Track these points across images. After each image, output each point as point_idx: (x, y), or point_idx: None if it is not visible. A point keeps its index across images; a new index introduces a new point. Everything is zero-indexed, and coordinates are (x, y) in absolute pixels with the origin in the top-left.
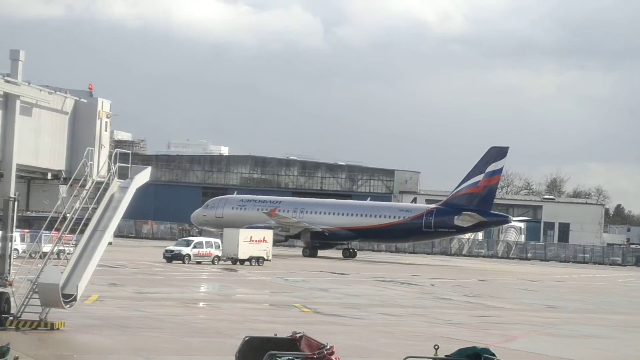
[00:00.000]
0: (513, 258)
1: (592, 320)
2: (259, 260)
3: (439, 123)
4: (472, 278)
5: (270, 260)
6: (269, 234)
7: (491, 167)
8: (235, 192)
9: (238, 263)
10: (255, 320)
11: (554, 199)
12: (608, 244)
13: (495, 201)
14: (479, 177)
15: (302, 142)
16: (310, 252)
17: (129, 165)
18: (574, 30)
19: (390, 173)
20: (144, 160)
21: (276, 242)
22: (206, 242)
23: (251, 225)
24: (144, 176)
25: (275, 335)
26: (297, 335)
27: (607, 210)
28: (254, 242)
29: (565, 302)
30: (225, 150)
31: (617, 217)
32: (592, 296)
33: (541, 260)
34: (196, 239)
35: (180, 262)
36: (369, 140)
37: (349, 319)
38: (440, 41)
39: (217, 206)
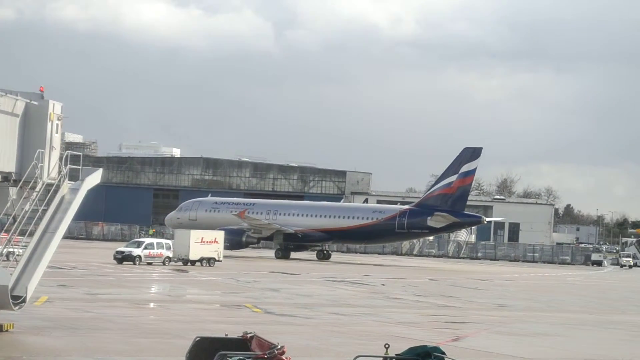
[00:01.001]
0: (463, 258)
1: (542, 318)
2: (210, 261)
3: (390, 125)
4: (423, 277)
5: (221, 261)
6: (220, 235)
7: (465, 168)
8: (210, 195)
9: (189, 264)
10: (206, 321)
11: (504, 199)
12: (557, 244)
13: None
14: (453, 178)
15: (254, 144)
16: (283, 253)
17: (80, 167)
18: (524, 34)
19: (342, 174)
20: (95, 162)
21: (249, 244)
22: (157, 243)
23: (224, 228)
24: (94, 178)
25: (226, 335)
26: (248, 336)
27: (556, 210)
28: (205, 243)
29: (515, 301)
30: (176, 152)
31: (567, 217)
32: (542, 295)
33: (491, 259)
34: (147, 240)
35: (131, 263)
36: (321, 142)
37: (299, 318)
38: (392, 44)
39: (190, 209)
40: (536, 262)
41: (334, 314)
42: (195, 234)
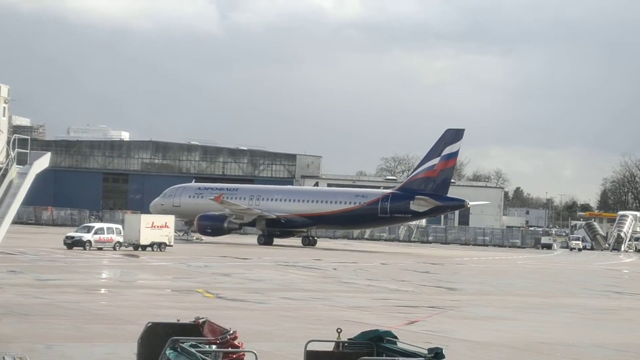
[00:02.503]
0: (414, 241)
1: (493, 302)
2: (160, 245)
3: (338, 108)
4: (374, 261)
5: (172, 246)
6: (170, 220)
7: (447, 150)
8: (194, 180)
9: (140, 249)
10: (158, 306)
11: (454, 183)
12: (507, 227)
13: (397, 184)
14: (435, 161)
15: (203, 127)
16: (265, 239)
17: (28, 151)
18: (469, 16)
19: (292, 157)
20: (43, 146)
21: (231, 231)
22: (107, 228)
23: (207, 214)
24: (43, 162)
25: (178, 320)
26: (200, 321)
27: (506, 193)
28: (155, 227)
29: (466, 285)
30: (125, 136)
31: (516, 200)
32: (492, 278)
33: (442, 243)
34: (97, 225)
35: (81, 248)
36: (271, 125)
37: (251, 303)
38: (337, 26)
39: (174, 195)
40: (487, 245)
41: (285, 299)
42: (146, 219)
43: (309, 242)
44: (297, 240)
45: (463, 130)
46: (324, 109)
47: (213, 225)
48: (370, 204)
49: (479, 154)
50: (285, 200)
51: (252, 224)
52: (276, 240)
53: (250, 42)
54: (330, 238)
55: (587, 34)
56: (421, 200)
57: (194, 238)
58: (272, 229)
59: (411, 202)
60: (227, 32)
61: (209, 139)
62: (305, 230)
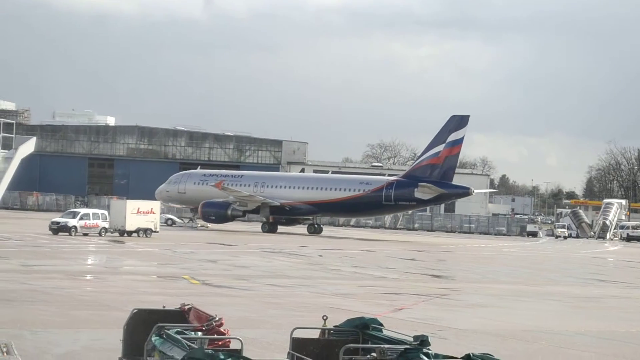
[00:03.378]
0: (400, 229)
1: (478, 289)
2: (146, 231)
3: (323, 93)
4: (360, 249)
5: (158, 232)
6: (156, 205)
7: (452, 137)
8: (199, 167)
9: (125, 235)
10: (144, 293)
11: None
12: (493, 214)
13: (382, 171)
14: (440, 147)
15: (189, 113)
16: (269, 227)
17: (13, 136)
18: (451, 2)
19: (278, 144)
20: (28, 130)
21: (235, 218)
22: (93, 214)
23: (210, 201)
24: (28, 147)
25: (164, 307)
26: (186, 307)
27: (492, 181)
28: (141, 213)
29: (452, 272)
30: (111, 121)
31: (502, 188)
32: (478, 266)
33: (428, 230)
34: (82, 211)
35: (67, 234)
36: (257, 111)
37: (237, 290)
38: (319, 11)
39: (179, 181)
40: (472, 233)
41: (271, 286)
42: (131, 204)
43: (315, 230)
44: (302, 228)
45: (468, 116)
46: (309, 95)
47: (217, 213)
48: (375, 191)
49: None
50: (289, 187)
51: (256, 211)
52: (281, 228)
53: (234, 27)
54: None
55: (571, 22)
56: (425, 187)
57: (199, 225)
58: (277, 217)
59: (415, 189)
60: (211, 17)
61: (195, 124)
62: (311, 217)
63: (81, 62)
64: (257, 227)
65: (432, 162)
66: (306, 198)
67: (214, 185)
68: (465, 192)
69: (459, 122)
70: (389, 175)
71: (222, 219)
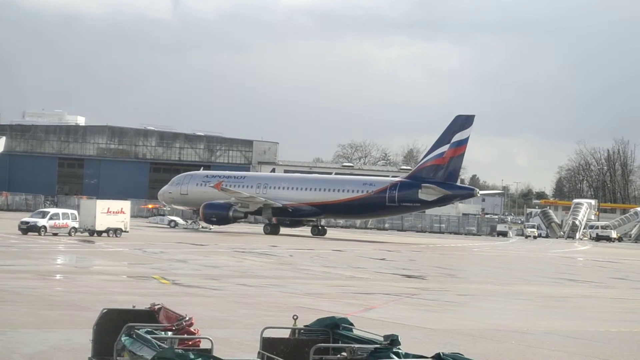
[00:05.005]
0: (370, 228)
1: (449, 289)
2: (116, 231)
3: (294, 94)
4: (330, 248)
5: (128, 232)
6: (126, 205)
7: (457, 137)
8: (202, 168)
9: (95, 234)
10: (113, 292)
11: (410, 170)
12: (463, 214)
13: (353, 171)
14: (445, 148)
15: (160, 113)
16: (271, 229)
17: None
18: (421, 4)
19: (248, 144)
20: None
21: (236, 219)
22: (62, 214)
23: (212, 202)
24: None
25: (134, 307)
26: (156, 307)
27: (462, 181)
28: (111, 213)
29: (422, 272)
30: (81, 121)
31: None
32: (448, 265)
33: (398, 230)
34: (52, 210)
35: (36, 234)
36: (227, 111)
37: (207, 290)
38: (289, 12)
39: (182, 183)
40: (443, 232)
41: (241, 285)
42: (101, 204)
43: (319, 231)
44: (305, 230)
45: (473, 116)
46: (280, 95)
47: (218, 214)
48: (378, 192)
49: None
50: (292, 188)
51: (258, 212)
52: (284, 230)
53: (204, 28)
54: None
55: (540, 24)
56: (429, 188)
57: (200, 227)
58: (280, 218)
59: (419, 190)
60: (180, 18)
61: (165, 124)
62: (314, 219)
63: (51, 62)
64: (260, 228)
65: (437, 163)
66: (309, 199)
67: (213, 186)
68: (469, 193)
69: (464, 122)
70: (393, 176)
71: (224, 220)
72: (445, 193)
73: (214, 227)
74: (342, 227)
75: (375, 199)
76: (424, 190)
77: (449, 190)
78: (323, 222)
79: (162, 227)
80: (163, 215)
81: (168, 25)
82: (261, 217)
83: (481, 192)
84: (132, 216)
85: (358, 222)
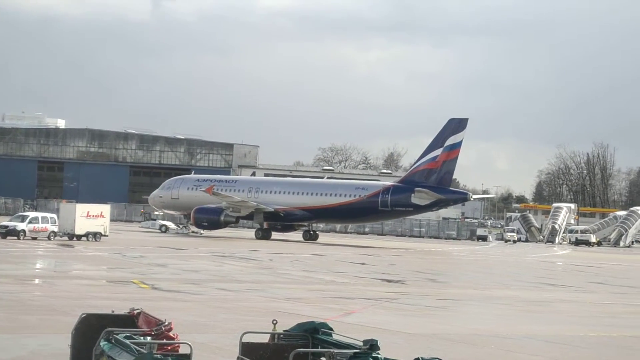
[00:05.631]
0: (350, 232)
1: (428, 293)
2: (96, 235)
3: (274, 97)
4: (310, 253)
5: (107, 236)
6: (106, 209)
7: (450, 141)
8: (193, 172)
9: (75, 238)
10: (93, 297)
11: (391, 173)
12: (443, 218)
13: (334, 175)
14: (438, 152)
15: (140, 116)
16: (263, 233)
17: None
18: (400, 6)
19: (229, 147)
20: None
21: (227, 224)
22: (42, 218)
23: (203, 206)
24: None
25: (113, 312)
26: (135, 312)
27: None
28: (91, 217)
29: (402, 276)
30: (61, 123)
31: None
32: (428, 270)
33: (378, 234)
34: (31, 214)
35: (15, 238)
36: (208, 114)
37: (187, 294)
38: (269, 15)
39: (173, 187)
40: (422, 237)
41: (221, 290)
42: (81, 208)
43: (310, 236)
44: (297, 235)
45: (466, 119)
46: (260, 98)
47: (209, 219)
48: (371, 196)
49: (413, 145)
50: (284, 192)
51: (250, 217)
52: (275, 235)
53: (183, 30)
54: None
55: (520, 26)
56: (422, 192)
57: (190, 232)
58: (271, 223)
59: (412, 194)
60: (160, 20)
61: (145, 127)
62: (306, 224)
63: (30, 64)
64: (251, 233)
65: (430, 167)
66: (301, 204)
67: (204, 191)
68: (463, 197)
69: (457, 125)
70: (374, 180)
71: (215, 225)
72: (438, 197)
73: (205, 232)
74: (321, 231)
75: (368, 203)
76: (417, 194)
77: (443, 195)
78: (314, 226)
79: (153, 232)
80: (154, 220)
81: (148, 27)
82: (252, 222)
83: (475, 196)
84: (112, 220)
85: (338, 226)
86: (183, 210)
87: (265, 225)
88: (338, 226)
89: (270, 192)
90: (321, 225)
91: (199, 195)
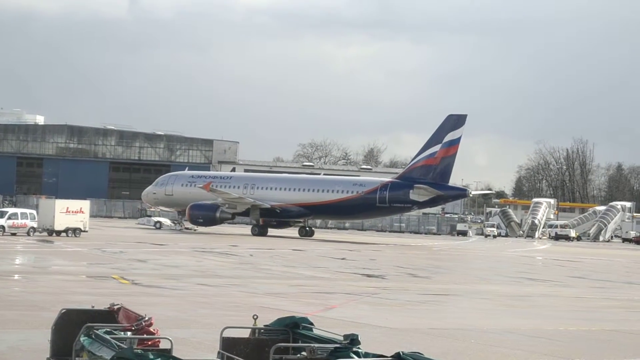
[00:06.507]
0: (331, 228)
1: (409, 288)
2: (75, 231)
3: (254, 93)
4: (291, 248)
5: (87, 232)
6: (85, 205)
7: (449, 137)
8: (187, 168)
9: (54, 234)
10: (73, 293)
11: (370, 169)
12: (424, 214)
13: (314, 171)
14: (436, 148)
15: (119, 112)
16: (259, 230)
17: None
18: (379, 3)
19: (209, 143)
20: None
21: (223, 220)
22: (21, 213)
23: (198, 203)
24: None
25: (93, 307)
26: (115, 307)
27: None
28: (70, 212)
29: (383, 271)
30: (40, 119)
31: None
32: (409, 265)
33: (359, 230)
34: (11, 210)
35: None
36: (187, 110)
37: (167, 290)
38: (248, 12)
39: (167, 183)
40: (403, 232)
41: (201, 285)
42: (60, 204)
43: (306, 232)
44: (293, 231)
45: (465, 115)
46: (240, 95)
47: (205, 215)
48: (368, 193)
49: (393, 141)
50: (280, 189)
51: (246, 213)
52: (271, 231)
53: (161, 26)
54: (247, 224)
55: (500, 23)
56: (421, 189)
57: (183, 228)
58: (267, 219)
59: (410, 191)
60: (138, 16)
61: (125, 123)
62: (302, 220)
63: (9, 60)
64: (246, 230)
65: (428, 163)
66: (297, 200)
67: (202, 187)
68: (462, 193)
69: (456, 121)
70: (354, 175)
71: (211, 221)
72: (437, 194)
73: (200, 228)
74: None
75: (366, 199)
76: (415, 190)
77: (441, 191)
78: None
79: (147, 228)
80: (150, 216)
81: (125, 23)
82: (248, 218)
83: (473, 192)
84: (92, 216)
85: (318, 221)
86: (177, 206)
87: (261, 222)
88: (318, 221)
89: (266, 188)
90: (318, 222)
91: (193, 191)
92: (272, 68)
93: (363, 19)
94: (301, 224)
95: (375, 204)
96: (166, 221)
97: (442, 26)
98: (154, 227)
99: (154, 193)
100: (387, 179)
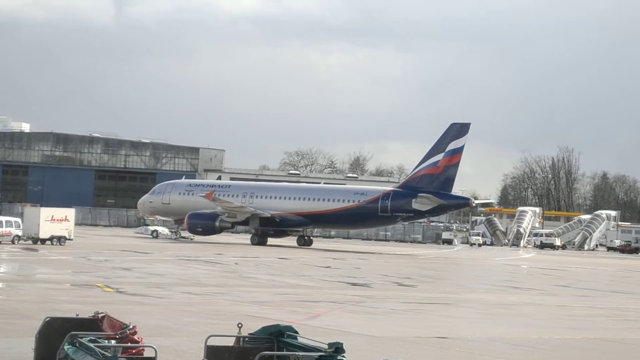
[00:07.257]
0: (316, 236)
1: (394, 297)
2: (60, 239)
3: (239, 101)
4: (276, 256)
5: (72, 240)
6: (70, 213)
7: (452, 145)
8: (184, 177)
9: (39, 242)
10: (57, 301)
11: (357, 177)
12: (410, 222)
13: (300, 179)
14: (439, 157)
15: (105, 119)
16: (259, 239)
17: None
18: (363, 10)
19: (195, 151)
20: None
21: (223, 230)
22: (6, 222)
23: (197, 212)
24: None
25: (77, 315)
26: (99, 316)
27: None
28: (55, 221)
29: (368, 279)
30: (26, 127)
31: None
32: (393, 273)
33: (344, 238)
34: None
35: None
36: (173, 118)
37: (152, 298)
38: (231, 19)
39: (163, 192)
40: (388, 240)
41: (186, 294)
42: (45, 212)
43: (305, 242)
44: (291, 240)
45: (469, 124)
46: (225, 103)
47: (204, 224)
48: (370, 202)
49: (378, 149)
50: (280, 197)
51: (245, 222)
52: (270, 240)
53: (146, 34)
54: (233, 233)
55: (486, 31)
56: (424, 198)
57: (179, 236)
58: (264, 228)
59: (413, 200)
60: (123, 24)
61: (111, 131)
62: (300, 229)
63: None
64: (246, 238)
65: (431, 172)
66: (298, 209)
67: (204, 196)
68: (464, 202)
69: (459, 130)
70: (340, 184)
71: (210, 230)
72: (440, 203)
73: (198, 238)
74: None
75: (367, 208)
76: (419, 200)
77: (444, 200)
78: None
79: (145, 237)
80: (148, 225)
81: (112, 30)
82: (247, 227)
83: (476, 201)
84: (77, 224)
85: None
86: (175, 215)
87: (260, 231)
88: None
89: (266, 197)
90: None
91: (191, 200)
92: (257, 76)
93: (347, 27)
94: (300, 233)
95: (377, 213)
96: (164, 230)
97: (427, 34)
98: (151, 236)
99: (151, 202)
100: (388, 187)
